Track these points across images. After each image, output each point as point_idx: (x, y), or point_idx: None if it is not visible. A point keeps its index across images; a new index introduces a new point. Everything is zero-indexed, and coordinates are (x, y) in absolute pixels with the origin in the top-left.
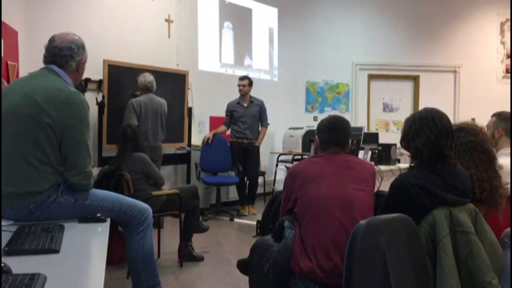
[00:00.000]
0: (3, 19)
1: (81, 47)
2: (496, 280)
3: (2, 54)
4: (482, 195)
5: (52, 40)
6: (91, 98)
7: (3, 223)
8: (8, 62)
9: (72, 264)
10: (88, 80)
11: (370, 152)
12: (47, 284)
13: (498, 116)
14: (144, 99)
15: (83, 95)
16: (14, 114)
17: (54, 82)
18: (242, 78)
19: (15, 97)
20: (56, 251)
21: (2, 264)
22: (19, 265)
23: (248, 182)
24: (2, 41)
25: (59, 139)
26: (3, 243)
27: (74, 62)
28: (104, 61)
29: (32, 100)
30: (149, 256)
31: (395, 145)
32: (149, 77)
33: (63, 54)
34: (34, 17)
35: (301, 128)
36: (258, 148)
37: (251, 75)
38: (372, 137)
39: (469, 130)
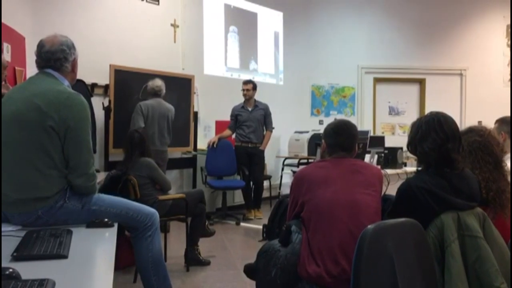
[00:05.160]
0: (10, 24)
1: (71, 47)
2: (505, 284)
3: (10, 59)
4: (489, 195)
5: (41, 45)
6: (98, 103)
7: (11, 228)
8: (16, 67)
9: (81, 270)
10: (94, 85)
11: (376, 156)
12: None
13: (501, 121)
14: (153, 102)
15: (90, 99)
16: (17, 120)
17: (53, 85)
18: (246, 82)
19: (16, 104)
20: (65, 256)
21: (11, 270)
22: (28, 270)
23: (253, 186)
24: (8, 45)
25: (62, 141)
26: (12, 249)
27: (69, 63)
28: (110, 66)
29: (34, 104)
30: (159, 260)
31: (401, 148)
32: (157, 82)
33: (57, 57)
34: (41, 22)
35: (307, 132)
36: (262, 152)
37: (257, 79)
38: (378, 141)
39: (477, 131)
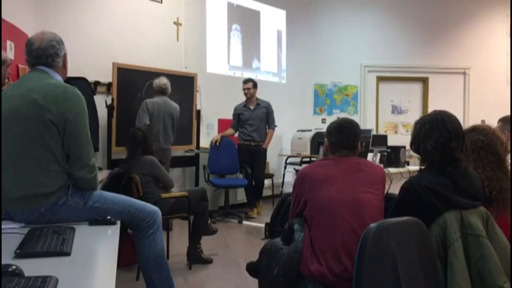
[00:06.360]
0: (13, 22)
1: (61, 42)
2: (508, 283)
3: (13, 57)
4: (492, 194)
5: (30, 43)
6: (100, 101)
7: (14, 225)
8: (19, 65)
9: (83, 267)
10: (97, 83)
11: (379, 155)
12: (59, 286)
13: (503, 120)
14: (159, 101)
15: (93, 97)
16: (16, 116)
17: (48, 80)
18: (246, 81)
19: (12, 101)
20: (68, 254)
21: (14, 267)
22: (31, 267)
23: (254, 183)
24: (12, 43)
25: (61, 134)
26: (15, 246)
27: (60, 58)
28: (113, 64)
29: (31, 99)
30: (161, 258)
31: (404, 147)
32: (163, 80)
33: (48, 53)
34: (44, 20)
35: (310, 130)
36: (265, 150)
37: (259, 77)
38: (381, 140)
39: (480, 130)
